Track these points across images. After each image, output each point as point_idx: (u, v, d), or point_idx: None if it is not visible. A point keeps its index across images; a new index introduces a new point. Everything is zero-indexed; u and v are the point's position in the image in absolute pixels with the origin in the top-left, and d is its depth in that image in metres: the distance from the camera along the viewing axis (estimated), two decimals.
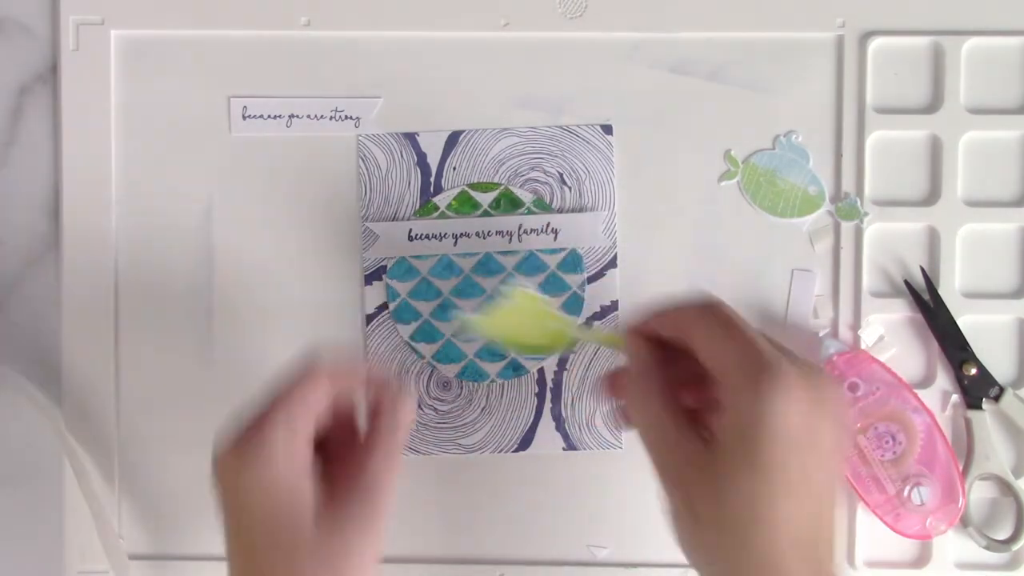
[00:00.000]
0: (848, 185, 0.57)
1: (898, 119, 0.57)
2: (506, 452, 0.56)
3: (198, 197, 0.57)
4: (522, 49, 0.57)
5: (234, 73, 0.57)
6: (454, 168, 0.55)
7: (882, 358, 0.56)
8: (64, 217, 0.57)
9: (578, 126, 0.56)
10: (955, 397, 0.57)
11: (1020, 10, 0.57)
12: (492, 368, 0.56)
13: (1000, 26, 0.57)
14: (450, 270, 0.55)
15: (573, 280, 0.55)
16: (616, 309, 0.56)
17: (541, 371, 0.56)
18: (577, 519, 0.58)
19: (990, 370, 0.56)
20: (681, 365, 0.42)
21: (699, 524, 0.39)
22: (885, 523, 0.54)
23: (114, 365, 0.57)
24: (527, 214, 0.55)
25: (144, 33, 0.57)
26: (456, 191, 0.55)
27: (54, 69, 0.57)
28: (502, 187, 0.55)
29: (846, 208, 0.57)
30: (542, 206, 0.55)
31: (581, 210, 0.55)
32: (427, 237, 0.55)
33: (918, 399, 0.54)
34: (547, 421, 0.55)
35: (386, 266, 0.55)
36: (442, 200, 0.55)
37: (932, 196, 0.57)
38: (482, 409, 0.56)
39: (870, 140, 0.57)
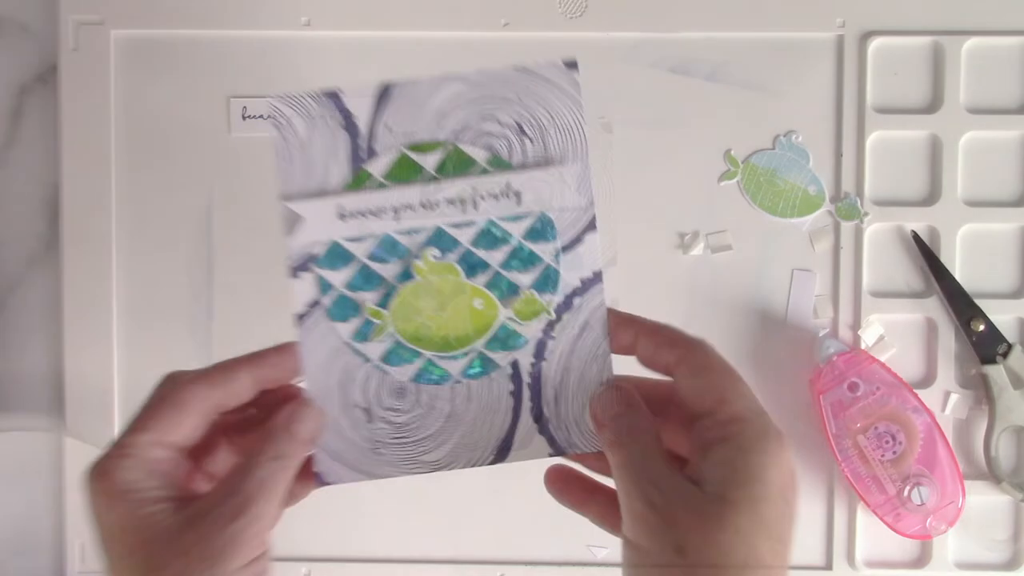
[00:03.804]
0: (848, 185, 0.57)
1: (898, 119, 0.57)
2: (481, 465, 0.47)
3: (198, 197, 0.57)
4: (522, 49, 0.57)
5: (234, 73, 0.57)
6: (388, 128, 0.46)
7: (882, 358, 0.56)
8: (64, 217, 0.57)
9: (536, 65, 0.47)
10: (955, 397, 0.57)
11: (1020, 10, 0.57)
12: (455, 366, 0.46)
13: (1000, 26, 0.57)
14: (394, 251, 0.45)
15: (544, 250, 0.46)
16: (599, 281, 0.46)
17: (515, 364, 0.46)
18: (577, 519, 0.58)
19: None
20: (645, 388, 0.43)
21: (687, 566, 0.39)
22: (885, 523, 0.54)
23: (114, 365, 0.57)
24: (482, 175, 0.46)
25: (144, 33, 0.57)
26: (393, 155, 0.46)
27: (54, 69, 0.57)
28: (448, 145, 0.46)
29: (846, 208, 0.57)
30: (499, 164, 0.46)
31: (547, 164, 0.46)
32: (362, 214, 0.46)
33: (918, 399, 0.54)
34: (527, 424, 0.46)
35: (316, 254, 0.46)
36: (377, 167, 0.46)
37: (932, 196, 0.57)
38: (447, 416, 0.46)
39: (870, 140, 0.57)
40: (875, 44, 0.57)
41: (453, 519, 0.58)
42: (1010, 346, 0.56)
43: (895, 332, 0.57)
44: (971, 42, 0.57)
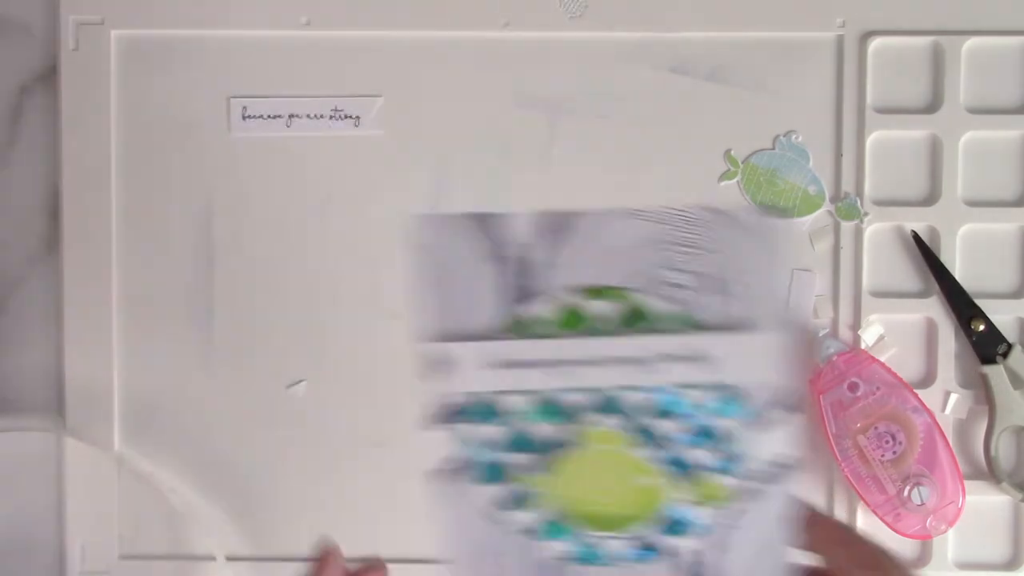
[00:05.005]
0: (848, 185, 0.57)
1: (898, 119, 0.57)
2: None
3: (198, 197, 0.57)
4: (522, 49, 0.57)
5: (234, 73, 0.57)
6: (551, 265, 0.39)
7: (882, 358, 0.56)
8: (64, 217, 0.57)
9: (733, 208, 0.40)
10: (955, 397, 0.57)
11: (1020, 10, 0.57)
12: (615, 547, 0.39)
13: (1000, 26, 0.57)
14: (554, 412, 0.39)
15: (728, 427, 0.39)
16: (790, 472, 0.39)
17: (696, 554, 0.39)
18: None
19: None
20: None
21: None
22: (885, 523, 0.54)
23: (114, 364, 0.57)
24: (663, 332, 0.39)
25: (144, 33, 0.57)
26: (556, 298, 0.39)
27: (54, 69, 0.57)
28: (625, 292, 0.39)
29: (846, 208, 0.57)
30: (684, 321, 0.39)
31: (742, 328, 0.39)
32: (517, 365, 0.39)
33: (918, 399, 0.54)
34: None
35: (461, 405, 0.40)
36: (536, 311, 0.39)
37: (932, 196, 0.57)
38: None
39: (870, 140, 0.57)
40: (875, 44, 0.57)
41: None
42: (1010, 346, 0.56)
43: (895, 332, 0.57)
44: (971, 42, 0.57)
